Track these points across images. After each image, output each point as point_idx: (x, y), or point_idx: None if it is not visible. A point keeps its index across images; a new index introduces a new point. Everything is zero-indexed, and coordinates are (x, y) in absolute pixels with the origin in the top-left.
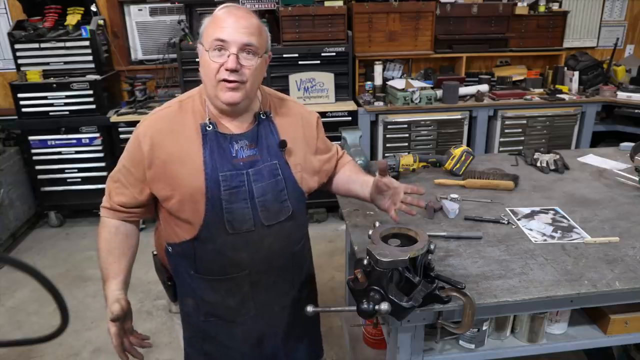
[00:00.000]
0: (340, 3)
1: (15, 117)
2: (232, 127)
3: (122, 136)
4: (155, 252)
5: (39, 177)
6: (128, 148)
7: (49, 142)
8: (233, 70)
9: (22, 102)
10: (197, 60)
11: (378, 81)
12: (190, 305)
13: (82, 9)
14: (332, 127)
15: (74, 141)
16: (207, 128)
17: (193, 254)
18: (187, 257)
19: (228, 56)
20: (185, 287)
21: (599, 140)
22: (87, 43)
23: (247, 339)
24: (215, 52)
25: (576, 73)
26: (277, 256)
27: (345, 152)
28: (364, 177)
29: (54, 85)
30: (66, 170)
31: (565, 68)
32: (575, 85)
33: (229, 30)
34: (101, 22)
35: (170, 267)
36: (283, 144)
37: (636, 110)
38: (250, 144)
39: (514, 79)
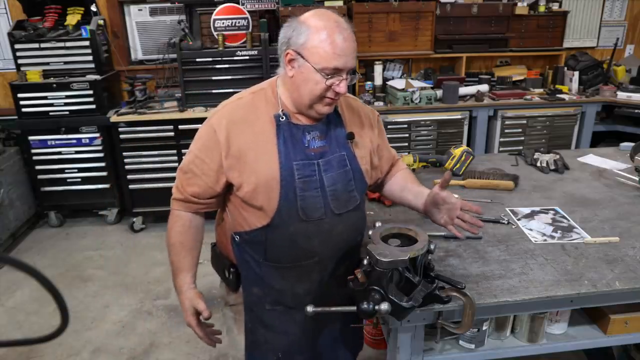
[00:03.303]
0: (340, 3)
1: (15, 117)
2: (304, 119)
3: (122, 136)
4: (214, 243)
5: (39, 177)
6: (201, 138)
7: (49, 142)
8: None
9: (22, 102)
10: (197, 60)
11: (378, 81)
12: (256, 295)
13: (82, 9)
14: None
15: (74, 141)
16: (280, 119)
17: (264, 241)
18: (256, 245)
19: (340, 80)
20: (252, 275)
21: (599, 140)
22: (87, 43)
23: (306, 325)
24: (328, 75)
25: (576, 73)
26: (344, 245)
27: (400, 158)
28: (418, 188)
29: (54, 85)
30: (66, 170)
31: (565, 68)
32: (575, 85)
33: (345, 59)
34: (101, 22)
35: (236, 256)
36: (351, 136)
37: (636, 110)
38: (320, 135)
39: (514, 79)
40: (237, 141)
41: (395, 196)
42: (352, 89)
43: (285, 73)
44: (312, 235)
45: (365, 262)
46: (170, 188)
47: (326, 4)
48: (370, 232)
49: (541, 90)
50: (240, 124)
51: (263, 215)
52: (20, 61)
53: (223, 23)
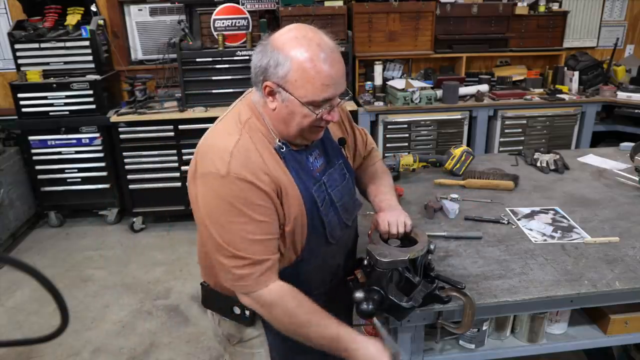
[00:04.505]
0: (340, 3)
1: (15, 117)
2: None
3: (122, 136)
4: (205, 283)
5: (39, 177)
6: (236, 203)
7: (49, 142)
8: None
9: (22, 102)
10: (197, 60)
11: (378, 81)
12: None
13: (82, 9)
14: None
15: (74, 141)
16: (281, 150)
17: (296, 274)
18: (286, 280)
19: (332, 108)
20: None
21: (599, 140)
22: (87, 43)
23: None
24: (317, 108)
25: (576, 73)
26: (354, 251)
27: (374, 149)
28: (379, 197)
29: (54, 85)
30: (66, 170)
31: (565, 68)
32: (575, 85)
33: (334, 87)
34: (101, 22)
35: None
36: (343, 141)
37: (636, 110)
38: (319, 152)
39: (514, 79)
40: (270, 189)
41: (360, 193)
42: (351, 89)
43: (264, 103)
44: (336, 254)
45: (365, 262)
46: (170, 188)
47: (326, 4)
48: (370, 232)
49: (541, 90)
50: (262, 169)
51: (293, 253)
52: (20, 61)
53: (223, 23)
